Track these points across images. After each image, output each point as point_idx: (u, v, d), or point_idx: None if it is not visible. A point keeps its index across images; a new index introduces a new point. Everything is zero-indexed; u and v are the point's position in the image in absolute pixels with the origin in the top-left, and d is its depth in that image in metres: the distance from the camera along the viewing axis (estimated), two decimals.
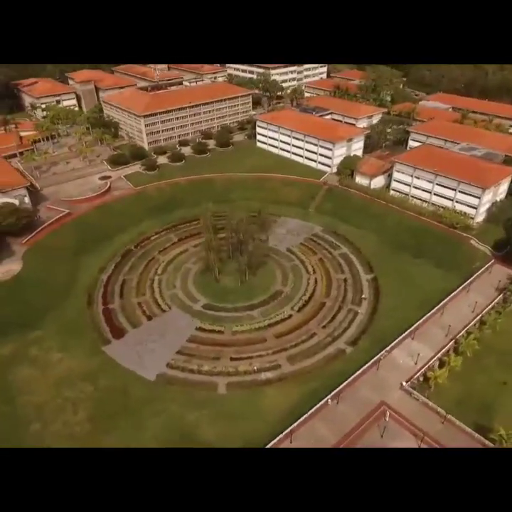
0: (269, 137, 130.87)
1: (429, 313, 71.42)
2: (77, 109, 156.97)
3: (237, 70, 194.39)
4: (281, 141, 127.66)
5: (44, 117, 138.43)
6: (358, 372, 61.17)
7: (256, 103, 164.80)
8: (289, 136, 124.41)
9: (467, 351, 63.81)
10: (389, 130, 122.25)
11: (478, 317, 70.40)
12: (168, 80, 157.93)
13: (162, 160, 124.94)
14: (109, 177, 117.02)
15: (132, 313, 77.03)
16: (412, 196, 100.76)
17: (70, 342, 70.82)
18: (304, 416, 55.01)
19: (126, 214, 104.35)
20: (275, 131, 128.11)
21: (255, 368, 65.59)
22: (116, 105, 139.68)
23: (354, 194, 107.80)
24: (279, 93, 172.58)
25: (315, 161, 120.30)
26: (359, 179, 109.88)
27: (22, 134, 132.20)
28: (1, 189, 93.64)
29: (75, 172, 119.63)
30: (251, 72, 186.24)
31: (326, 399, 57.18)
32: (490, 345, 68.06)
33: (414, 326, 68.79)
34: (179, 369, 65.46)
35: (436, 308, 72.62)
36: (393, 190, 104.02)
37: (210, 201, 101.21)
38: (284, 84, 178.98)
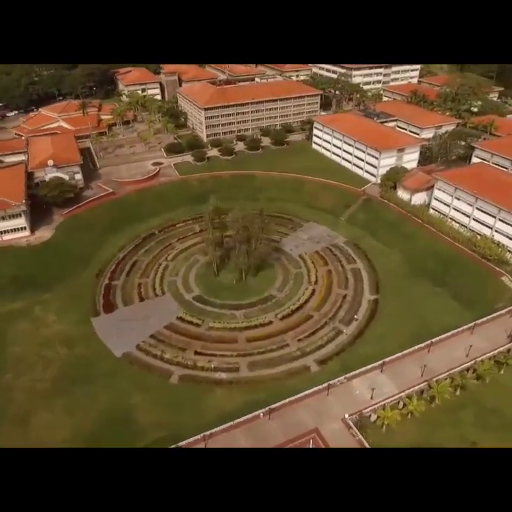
0: (324, 140, 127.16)
1: (413, 349, 64.56)
2: (159, 98, 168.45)
3: (322, 68, 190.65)
4: (333, 144, 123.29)
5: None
6: (305, 393, 58.09)
7: (329, 104, 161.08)
8: (340, 140, 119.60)
9: (437, 398, 56.72)
10: (453, 143, 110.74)
11: (470, 363, 61.82)
12: (240, 76, 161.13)
13: (214, 153, 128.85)
14: (161, 163, 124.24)
15: (129, 292, 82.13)
16: (450, 218, 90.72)
17: (68, 308, 78.14)
18: (230, 423, 54.20)
19: (163, 200, 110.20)
20: (329, 134, 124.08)
21: (213, 365, 65.96)
22: (185, 96, 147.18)
23: (391, 208, 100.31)
24: (357, 95, 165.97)
25: (362, 169, 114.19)
26: (401, 193, 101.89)
27: (103, 117, 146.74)
28: (56, 164, 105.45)
29: (134, 156, 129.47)
30: (334, 71, 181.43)
31: (258, 412, 55.57)
32: (474, 397, 59.67)
33: (389, 358, 62.88)
34: (144, 352, 68.58)
35: (424, 343, 65.35)
36: (433, 209, 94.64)
37: (245, 198, 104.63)
38: (367, 87, 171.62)
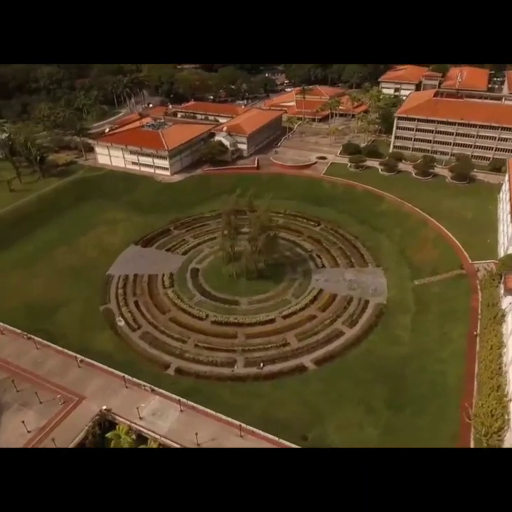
0: None
1: None
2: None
3: None
4: None
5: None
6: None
7: None
8: None
9: None
10: None
11: None
12: (474, 91, 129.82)
13: (374, 164, 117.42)
14: (324, 159, 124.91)
15: (172, 241, 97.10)
16: None
17: (133, 232, 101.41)
18: None
19: (283, 188, 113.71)
20: None
21: (121, 323, 75.25)
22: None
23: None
24: None
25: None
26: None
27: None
28: (228, 131, 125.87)
29: (312, 145, 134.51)
30: None
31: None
32: None
33: None
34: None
35: None
36: None
37: (351, 214, 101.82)
38: None
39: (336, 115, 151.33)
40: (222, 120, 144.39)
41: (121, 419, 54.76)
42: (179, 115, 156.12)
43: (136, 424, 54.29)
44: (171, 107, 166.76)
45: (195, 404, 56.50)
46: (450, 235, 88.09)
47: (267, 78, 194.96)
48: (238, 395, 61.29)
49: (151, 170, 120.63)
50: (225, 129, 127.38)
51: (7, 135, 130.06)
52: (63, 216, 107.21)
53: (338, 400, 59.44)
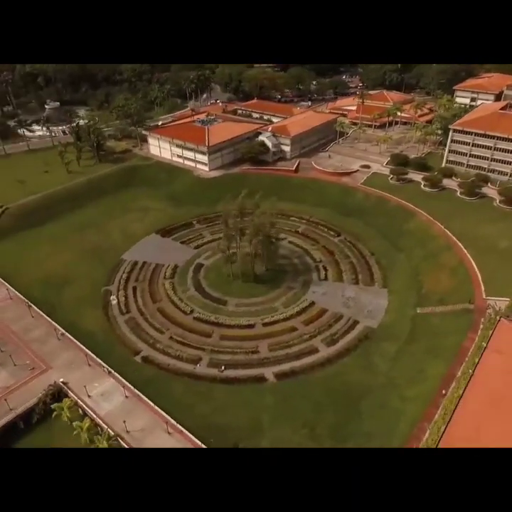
0: None
1: None
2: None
3: None
4: None
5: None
6: None
7: None
8: None
9: None
10: None
11: None
12: None
13: (418, 177, 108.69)
14: (368, 167, 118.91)
15: (189, 235, 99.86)
16: None
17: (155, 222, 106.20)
18: None
19: (302, 192, 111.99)
20: None
21: (114, 301, 79.45)
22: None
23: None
24: None
25: None
26: None
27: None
28: (273, 132, 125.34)
29: (360, 152, 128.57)
30: None
31: None
32: None
33: None
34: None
35: None
36: None
37: (372, 227, 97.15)
38: None
39: (397, 123, 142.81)
40: (275, 120, 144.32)
41: (72, 394, 58.46)
42: (239, 113, 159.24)
43: (82, 400, 57.61)
44: (223, 104, 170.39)
45: (140, 394, 58.27)
46: (473, 263, 79.08)
47: (338, 80, 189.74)
48: (190, 393, 61.92)
49: (193, 164, 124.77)
50: (270, 129, 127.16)
51: (76, 122, 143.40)
52: (103, 200, 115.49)
53: (284, 418, 57.34)
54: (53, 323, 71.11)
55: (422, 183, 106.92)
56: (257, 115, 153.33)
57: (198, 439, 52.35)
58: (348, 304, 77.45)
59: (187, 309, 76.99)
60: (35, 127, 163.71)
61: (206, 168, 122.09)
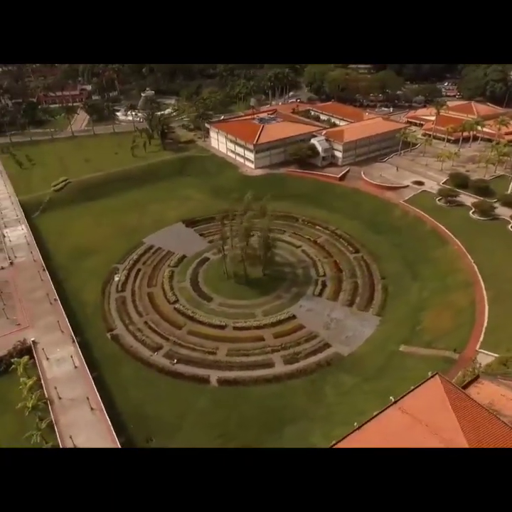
0: None
1: None
2: None
3: None
4: None
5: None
6: None
7: None
8: None
9: None
10: None
11: None
12: None
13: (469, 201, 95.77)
14: (421, 184, 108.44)
15: (211, 231, 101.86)
16: None
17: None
18: None
19: (340, 202, 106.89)
20: None
21: (117, 278, 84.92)
22: None
23: None
24: None
25: None
26: None
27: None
28: (326, 137, 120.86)
29: (420, 167, 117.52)
30: None
31: None
32: None
33: None
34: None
35: None
36: None
37: (390, 247, 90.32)
38: None
39: (477, 139, 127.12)
40: (341, 123, 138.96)
41: (34, 353, 64.91)
42: (311, 114, 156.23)
43: (39, 361, 63.66)
44: (295, 104, 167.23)
45: (86, 367, 62.27)
46: (486, 307, 68.36)
47: (431, 87, 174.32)
48: (135, 377, 64.45)
49: (242, 160, 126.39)
50: (324, 133, 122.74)
51: (152, 111, 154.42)
52: (154, 185, 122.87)
53: (207, 424, 56.90)
54: (53, 288, 79.06)
55: (471, 212, 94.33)
56: (326, 118, 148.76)
57: (114, 423, 54.57)
58: (329, 325, 72.72)
59: (172, 299, 79.52)
60: (128, 113, 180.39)
61: (252, 166, 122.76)
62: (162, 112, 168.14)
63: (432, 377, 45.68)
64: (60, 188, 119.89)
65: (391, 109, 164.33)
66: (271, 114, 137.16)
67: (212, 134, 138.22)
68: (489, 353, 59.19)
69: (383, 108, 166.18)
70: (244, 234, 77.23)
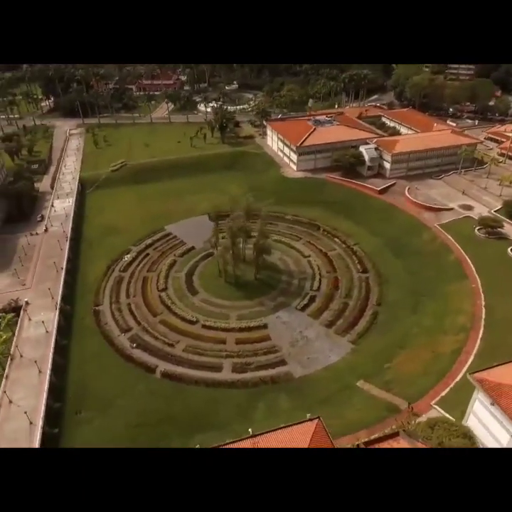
0: None
1: None
2: None
3: None
4: None
5: None
6: None
7: None
8: None
9: None
10: None
11: None
12: None
13: None
14: (470, 209, 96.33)
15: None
16: None
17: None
18: None
19: (370, 216, 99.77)
20: None
21: (125, 259, 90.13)
22: None
23: None
24: None
25: None
26: None
27: None
28: (376, 145, 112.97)
29: (476, 189, 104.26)
30: None
31: None
32: None
33: None
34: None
35: None
36: None
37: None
38: None
39: None
40: (408, 132, 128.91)
41: (22, 313, 72.75)
42: (382, 120, 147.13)
43: (22, 320, 71.17)
44: (366, 107, 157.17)
45: (54, 334, 67.97)
46: (471, 359, 59.22)
47: None
48: (94, 352, 68.74)
49: (287, 161, 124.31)
50: (374, 141, 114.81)
51: (220, 104, 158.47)
52: (201, 176, 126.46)
53: (131, 411, 58.80)
54: (65, 258, 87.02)
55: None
56: (394, 125, 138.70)
57: (54, 389, 59.36)
58: (296, 342, 69.24)
59: (161, 287, 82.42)
60: (209, 104, 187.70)
61: (294, 168, 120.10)
62: (235, 107, 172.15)
63: (310, 420, 41.69)
64: (116, 169, 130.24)
65: (476, 122, 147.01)
66: (329, 117, 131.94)
67: (269, 132, 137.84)
68: (442, 411, 51.67)
69: (467, 120, 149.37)
70: (231, 235, 76.72)
